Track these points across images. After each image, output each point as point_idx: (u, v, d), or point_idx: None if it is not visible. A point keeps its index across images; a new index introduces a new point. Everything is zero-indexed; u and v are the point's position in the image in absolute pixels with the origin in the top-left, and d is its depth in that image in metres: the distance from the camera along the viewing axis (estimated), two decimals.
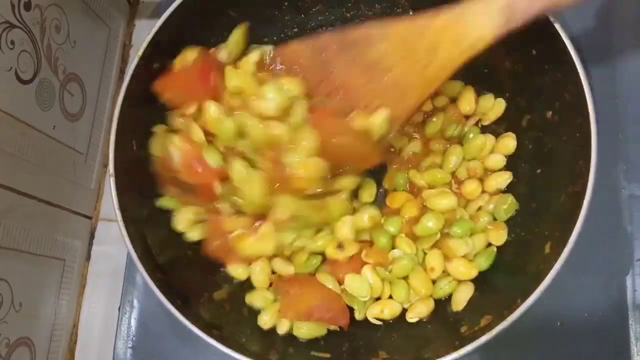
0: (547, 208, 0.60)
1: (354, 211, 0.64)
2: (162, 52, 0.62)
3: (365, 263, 0.62)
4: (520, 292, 0.54)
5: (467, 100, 0.67)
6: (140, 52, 0.60)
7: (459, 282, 0.62)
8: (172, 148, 0.59)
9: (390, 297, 0.63)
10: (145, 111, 0.63)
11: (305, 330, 0.60)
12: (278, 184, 0.58)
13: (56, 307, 0.70)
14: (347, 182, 0.61)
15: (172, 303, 0.55)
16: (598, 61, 0.69)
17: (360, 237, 0.64)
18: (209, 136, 0.61)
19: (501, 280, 0.61)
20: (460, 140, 0.67)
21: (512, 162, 0.65)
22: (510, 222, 0.63)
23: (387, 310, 0.61)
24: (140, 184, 0.62)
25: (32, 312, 0.66)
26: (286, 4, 0.70)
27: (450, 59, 0.55)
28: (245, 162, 0.59)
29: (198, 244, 0.66)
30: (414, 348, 0.58)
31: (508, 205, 0.63)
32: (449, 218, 0.63)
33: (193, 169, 0.59)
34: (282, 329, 0.61)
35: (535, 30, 0.57)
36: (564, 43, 0.56)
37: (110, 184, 0.58)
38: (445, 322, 0.61)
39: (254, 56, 0.63)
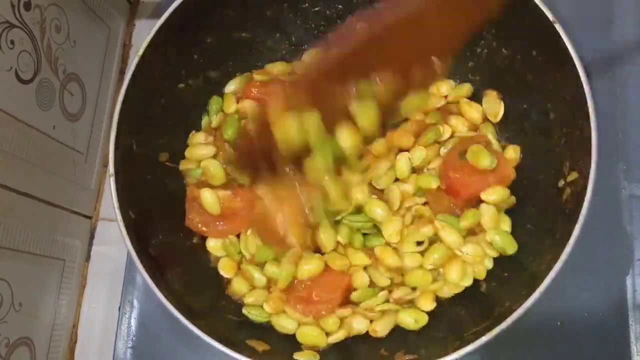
0: (547, 208, 0.60)
1: None
2: (162, 52, 0.62)
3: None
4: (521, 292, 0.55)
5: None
6: (140, 52, 0.60)
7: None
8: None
9: None
10: (145, 111, 0.64)
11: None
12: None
13: (56, 307, 0.70)
14: None
15: (172, 303, 0.55)
16: (598, 61, 0.69)
17: None
18: None
19: (502, 280, 0.61)
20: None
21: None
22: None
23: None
24: (140, 182, 0.63)
25: (32, 312, 0.66)
26: (285, 4, 0.70)
27: None
28: None
29: (198, 244, 0.66)
30: (416, 345, 0.59)
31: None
32: None
33: None
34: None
35: (536, 30, 0.58)
36: (564, 43, 0.56)
37: (110, 184, 0.58)
38: (447, 321, 0.61)
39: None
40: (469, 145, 0.63)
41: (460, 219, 0.62)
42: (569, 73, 0.56)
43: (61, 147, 0.70)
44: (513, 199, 0.64)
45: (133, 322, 0.70)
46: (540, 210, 0.61)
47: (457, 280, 0.61)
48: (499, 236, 0.61)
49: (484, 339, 0.52)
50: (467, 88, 0.68)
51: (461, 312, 0.61)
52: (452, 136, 0.67)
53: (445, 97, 0.68)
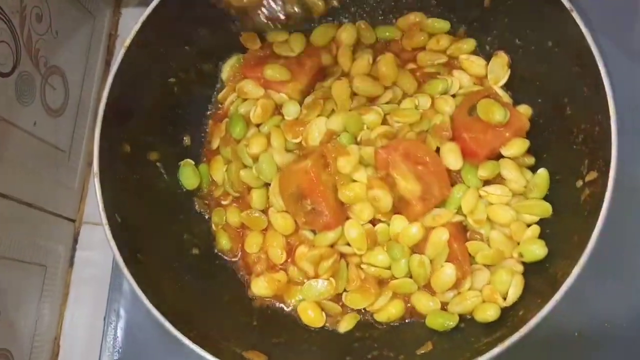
0: (565, 210, 0.60)
1: None
2: (150, 43, 0.62)
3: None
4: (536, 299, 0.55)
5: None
6: (127, 43, 0.61)
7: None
8: None
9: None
10: (132, 106, 0.64)
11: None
12: None
13: (37, 317, 0.70)
14: None
15: (161, 312, 0.55)
16: (618, 53, 0.69)
17: None
18: None
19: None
20: None
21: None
22: None
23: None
24: (127, 183, 0.63)
25: (11, 321, 0.66)
26: None
27: None
28: None
29: (190, 251, 0.67)
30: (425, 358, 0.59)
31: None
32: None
33: None
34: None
35: (551, 19, 0.58)
36: (582, 33, 0.56)
37: (95, 184, 0.58)
38: (457, 332, 0.61)
39: None
40: (477, 100, 0.64)
41: (479, 168, 0.63)
42: (587, 65, 0.56)
43: (42, 144, 0.70)
44: (532, 159, 0.64)
45: (119, 332, 0.70)
46: (557, 212, 0.61)
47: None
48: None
49: (496, 350, 0.52)
50: (469, 43, 0.69)
51: (472, 322, 0.61)
52: (455, 94, 0.68)
53: (445, 51, 0.70)
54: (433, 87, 0.67)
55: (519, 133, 0.64)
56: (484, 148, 0.63)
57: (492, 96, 0.65)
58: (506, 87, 0.68)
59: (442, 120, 0.64)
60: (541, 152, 0.65)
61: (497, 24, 0.66)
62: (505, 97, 0.66)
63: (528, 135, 0.64)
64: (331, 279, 0.64)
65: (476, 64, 0.68)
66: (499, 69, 0.67)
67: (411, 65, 0.70)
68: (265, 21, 0.59)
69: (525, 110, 0.66)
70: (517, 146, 0.63)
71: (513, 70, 0.67)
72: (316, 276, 0.64)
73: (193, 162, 0.70)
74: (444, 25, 0.70)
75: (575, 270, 0.53)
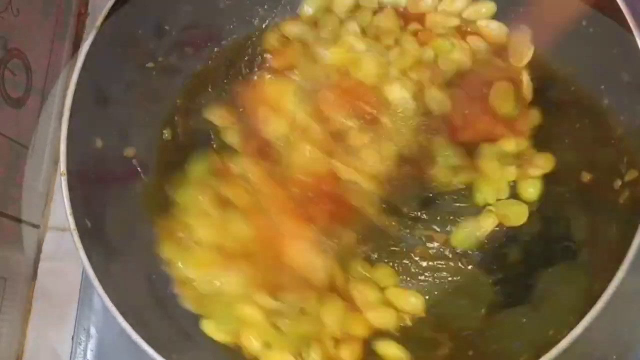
0: (601, 215, 0.59)
1: None
2: (125, 22, 0.62)
3: None
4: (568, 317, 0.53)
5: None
6: (98, 23, 0.60)
7: None
8: None
9: None
10: (105, 96, 0.63)
11: None
12: None
13: None
14: None
15: (138, 331, 0.54)
16: None
17: None
18: None
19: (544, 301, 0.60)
20: None
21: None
22: None
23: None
24: (99, 184, 0.62)
25: None
26: None
27: None
28: None
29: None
30: None
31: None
32: None
33: None
34: None
35: None
36: (620, 11, 0.55)
37: (62, 184, 0.57)
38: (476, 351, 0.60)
39: None
40: (496, 78, 0.63)
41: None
42: (627, 47, 0.55)
43: (1, 139, 0.68)
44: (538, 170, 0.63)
45: (89, 354, 0.70)
46: (591, 217, 0.60)
47: None
48: None
49: None
50: (489, 7, 0.66)
51: (493, 342, 0.60)
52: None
53: (460, 15, 0.67)
54: (438, 47, 0.65)
55: (516, 134, 0.63)
56: (469, 130, 0.62)
57: (514, 79, 0.63)
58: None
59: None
60: (573, 147, 0.63)
61: None
62: (528, 90, 0.65)
63: (559, 128, 0.63)
64: None
65: (496, 32, 0.66)
66: (520, 43, 0.65)
67: (415, 26, 0.67)
68: None
69: (534, 117, 0.64)
70: (510, 144, 0.62)
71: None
72: None
73: None
74: None
75: (613, 284, 0.51)
